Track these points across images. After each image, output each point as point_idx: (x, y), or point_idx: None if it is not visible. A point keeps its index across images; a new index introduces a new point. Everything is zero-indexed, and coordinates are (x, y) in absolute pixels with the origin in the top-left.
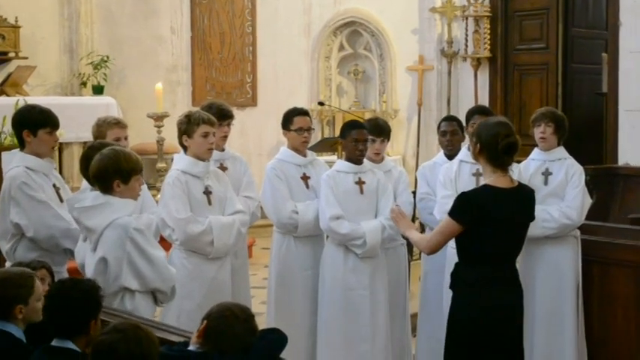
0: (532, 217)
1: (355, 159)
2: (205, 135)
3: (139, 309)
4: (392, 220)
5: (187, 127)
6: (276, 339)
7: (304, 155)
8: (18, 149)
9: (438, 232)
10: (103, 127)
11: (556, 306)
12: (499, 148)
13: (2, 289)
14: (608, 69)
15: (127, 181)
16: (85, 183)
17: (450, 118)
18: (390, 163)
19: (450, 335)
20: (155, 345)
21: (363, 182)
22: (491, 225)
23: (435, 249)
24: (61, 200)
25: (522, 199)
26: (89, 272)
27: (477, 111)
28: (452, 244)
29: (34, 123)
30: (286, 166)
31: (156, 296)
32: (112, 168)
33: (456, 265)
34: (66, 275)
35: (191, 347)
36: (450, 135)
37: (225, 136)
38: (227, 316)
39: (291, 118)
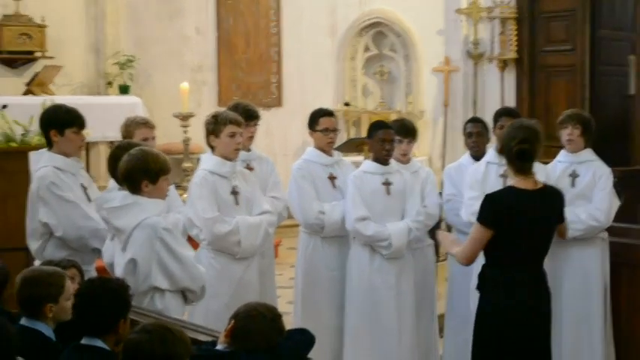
0: (560, 218)
1: (382, 159)
2: (232, 135)
3: (169, 308)
4: (438, 240)
5: (214, 127)
6: (303, 339)
7: (330, 155)
8: (46, 149)
9: (470, 241)
10: (131, 126)
11: (583, 308)
12: (512, 153)
13: (33, 287)
14: (635, 71)
15: (155, 182)
16: (112, 182)
17: (476, 120)
18: (417, 163)
19: (477, 336)
20: (185, 346)
21: (390, 183)
22: (516, 226)
23: (470, 258)
24: (89, 199)
25: (547, 200)
26: (119, 272)
27: (504, 112)
28: None
29: (61, 123)
30: (313, 166)
31: (185, 295)
32: (140, 168)
33: (483, 266)
34: (94, 274)
35: (219, 347)
36: (476, 136)
37: (252, 137)
38: (254, 315)
39: (316, 118)
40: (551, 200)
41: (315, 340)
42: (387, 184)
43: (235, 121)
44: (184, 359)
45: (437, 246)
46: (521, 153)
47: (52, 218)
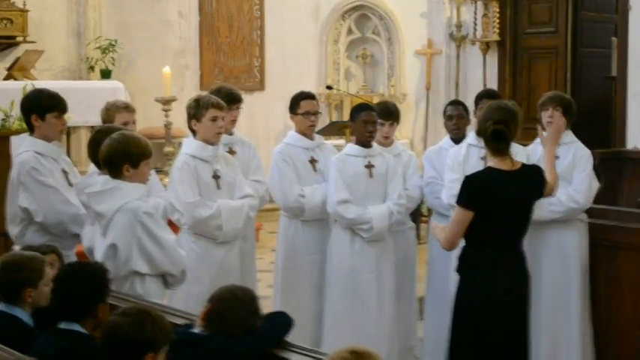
0: (540, 194)
1: (365, 141)
2: (214, 119)
3: (150, 292)
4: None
5: (196, 111)
6: (282, 322)
7: (312, 139)
8: (27, 134)
9: (451, 224)
10: (111, 110)
11: (562, 289)
12: (488, 133)
13: (13, 272)
14: (617, 53)
15: (136, 166)
16: (92, 167)
17: (456, 102)
18: (399, 146)
19: (455, 318)
20: (165, 331)
21: (373, 166)
22: (495, 207)
23: (453, 241)
24: (70, 185)
25: (526, 180)
26: (99, 256)
27: (485, 95)
28: None
29: (42, 107)
30: (294, 150)
31: (166, 280)
32: (121, 152)
33: (463, 248)
34: (74, 259)
35: (195, 330)
36: (456, 119)
37: (235, 120)
38: (229, 298)
39: (298, 102)
40: (530, 179)
41: (293, 323)
42: (369, 166)
43: (217, 104)
44: (163, 344)
45: (418, 229)
46: (495, 133)
47: (32, 203)
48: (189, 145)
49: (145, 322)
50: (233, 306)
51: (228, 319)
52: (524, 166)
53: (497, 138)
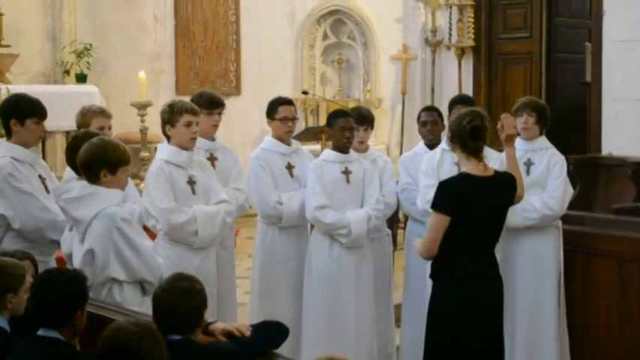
0: (511, 202)
1: (342, 147)
2: (188, 124)
3: (127, 300)
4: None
5: (170, 116)
6: (274, 332)
7: (288, 144)
8: (4, 139)
9: (428, 231)
10: (87, 115)
11: (537, 296)
12: (465, 133)
13: None
14: (591, 58)
15: (114, 172)
16: (67, 171)
17: (430, 108)
18: (375, 152)
19: (430, 325)
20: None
21: (350, 172)
22: (469, 213)
23: (430, 248)
24: (47, 191)
25: (500, 187)
26: (76, 263)
27: (459, 100)
28: None
29: (22, 112)
30: (270, 156)
31: (144, 287)
32: (99, 158)
33: (436, 254)
34: (54, 265)
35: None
36: (431, 125)
37: (216, 125)
38: (166, 289)
39: (275, 107)
40: (503, 186)
41: (288, 333)
42: (346, 172)
43: (191, 110)
44: None
45: (394, 235)
46: (474, 130)
47: (9, 210)
48: (164, 150)
49: (147, 337)
50: (173, 300)
51: (172, 313)
52: (496, 172)
53: (475, 134)
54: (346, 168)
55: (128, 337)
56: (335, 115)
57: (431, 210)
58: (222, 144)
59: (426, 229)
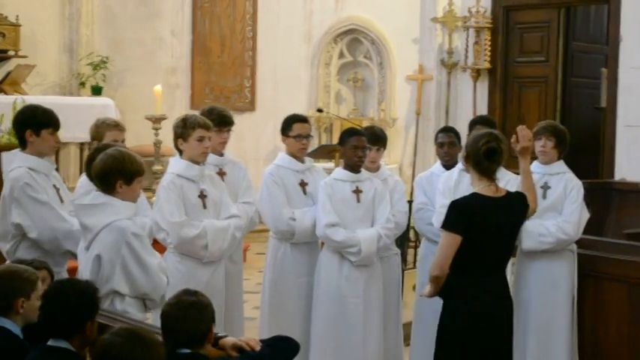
0: (523, 220)
1: (354, 166)
2: (201, 139)
3: (129, 312)
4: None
5: (183, 130)
6: (285, 348)
7: (302, 162)
8: (18, 149)
9: (439, 250)
10: (101, 128)
11: (550, 319)
12: (480, 153)
13: (7, 281)
14: (607, 84)
15: (129, 183)
16: (81, 183)
17: (447, 129)
18: (386, 171)
19: (439, 344)
20: (155, 355)
21: (361, 191)
22: (480, 232)
23: (442, 266)
24: (62, 201)
25: (512, 208)
26: (84, 272)
27: (479, 121)
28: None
29: (37, 123)
30: (284, 172)
31: (145, 302)
32: (116, 168)
33: (448, 274)
34: (66, 276)
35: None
36: (448, 146)
37: (224, 142)
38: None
39: (290, 124)
40: (515, 207)
41: (299, 348)
42: (357, 192)
43: (204, 124)
44: None
45: (404, 254)
46: (489, 151)
47: (25, 220)
48: (176, 164)
49: (135, 343)
50: (180, 316)
51: (178, 328)
52: (508, 193)
53: (491, 156)
54: (357, 187)
55: (120, 350)
56: (347, 134)
57: (442, 230)
58: (230, 159)
59: (437, 248)
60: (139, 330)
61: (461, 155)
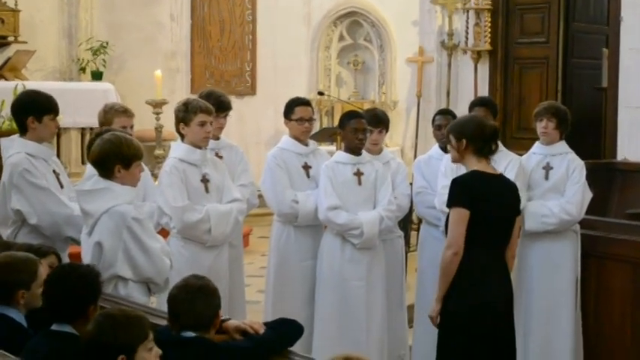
0: (518, 211)
1: (354, 148)
2: (202, 124)
3: (133, 297)
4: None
5: (185, 115)
6: (288, 330)
7: (306, 144)
8: (17, 135)
9: (451, 227)
10: (110, 113)
11: (554, 300)
12: (486, 136)
13: (5, 273)
14: (608, 64)
15: (127, 167)
16: (88, 169)
17: (445, 112)
18: (388, 154)
19: (443, 325)
20: (129, 333)
21: (362, 173)
22: (483, 207)
23: (458, 241)
24: (62, 186)
25: (508, 187)
26: (86, 257)
27: (478, 102)
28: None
29: (40, 109)
30: (287, 155)
31: (149, 286)
32: (113, 153)
33: None
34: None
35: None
36: (445, 128)
37: (221, 128)
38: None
39: (292, 107)
40: (511, 188)
41: (303, 331)
42: (358, 174)
43: (206, 109)
44: (134, 345)
45: (407, 237)
46: (494, 132)
47: (25, 205)
48: (178, 148)
49: (105, 326)
50: (186, 300)
51: (184, 313)
52: (501, 174)
53: (497, 137)
54: (358, 170)
55: (91, 335)
56: (347, 117)
57: (448, 209)
58: (227, 142)
59: (449, 227)
60: (111, 312)
61: (450, 137)
